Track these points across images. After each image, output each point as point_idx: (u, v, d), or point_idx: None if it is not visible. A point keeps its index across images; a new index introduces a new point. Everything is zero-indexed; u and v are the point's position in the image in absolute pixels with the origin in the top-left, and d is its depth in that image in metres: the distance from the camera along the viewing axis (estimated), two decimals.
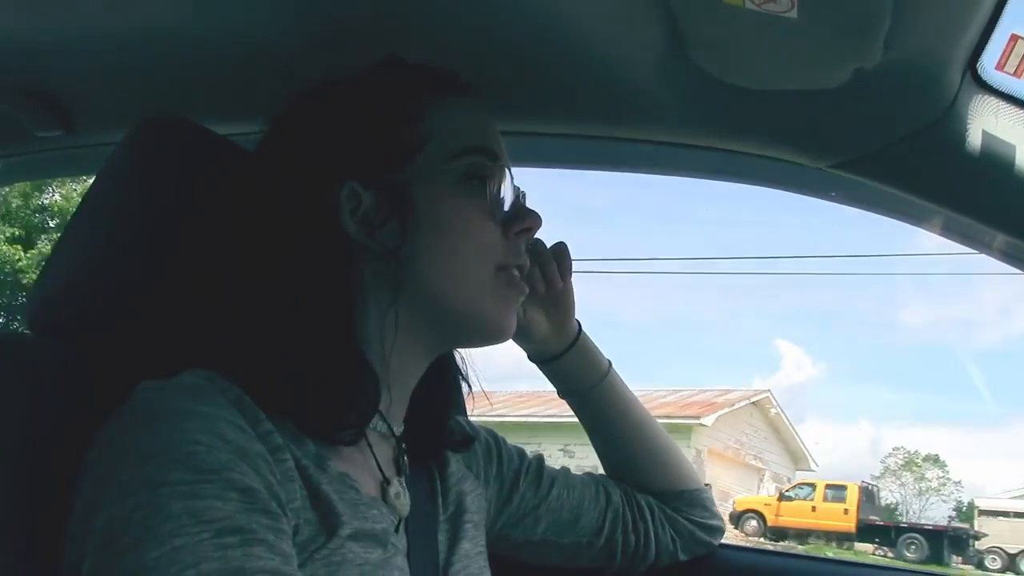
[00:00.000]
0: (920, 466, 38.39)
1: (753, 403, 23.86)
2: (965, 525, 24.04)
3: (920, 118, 1.04)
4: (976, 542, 21.28)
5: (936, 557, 20.19)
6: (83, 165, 1.50)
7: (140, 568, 0.67)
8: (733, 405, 22.01)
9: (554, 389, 1.27)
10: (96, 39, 1.13)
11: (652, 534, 1.21)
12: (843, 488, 22.21)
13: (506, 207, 0.95)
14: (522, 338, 1.19)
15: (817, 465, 27.79)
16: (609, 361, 1.24)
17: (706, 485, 1.28)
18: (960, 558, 20.60)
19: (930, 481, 37.50)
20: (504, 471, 1.16)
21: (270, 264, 0.88)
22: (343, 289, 0.89)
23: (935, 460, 38.56)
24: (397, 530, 0.92)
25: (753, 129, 1.17)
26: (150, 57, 1.15)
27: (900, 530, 21.82)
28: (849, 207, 1.26)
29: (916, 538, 21.00)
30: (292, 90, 0.97)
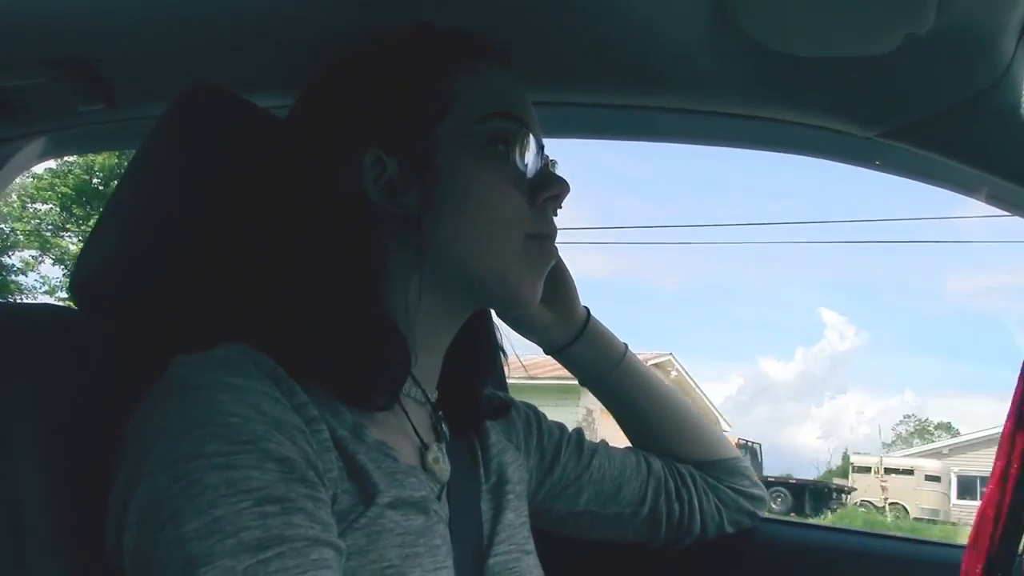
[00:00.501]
0: (932, 433, 38.26)
1: (654, 365, 23.86)
2: (833, 481, 27.35)
3: (972, 85, 1.02)
4: (846, 496, 24.07)
5: (799, 508, 22.34)
6: (126, 139, 1.51)
7: (180, 539, 0.67)
8: None
9: None
10: (137, 12, 1.13)
11: (696, 503, 1.20)
12: None
13: (532, 174, 0.94)
14: (527, 331, 1.18)
15: (730, 426, 29.31)
16: (625, 344, 1.23)
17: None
18: (828, 510, 22.62)
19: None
20: (545, 443, 1.16)
21: (295, 232, 0.88)
22: (367, 254, 0.89)
23: (947, 427, 38.39)
24: (440, 498, 0.92)
25: (799, 98, 1.15)
26: (190, 30, 1.15)
27: (768, 483, 23.24)
28: (896, 176, 1.24)
29: (781, 491, 22.91)
30: (330, 59, 0.97)
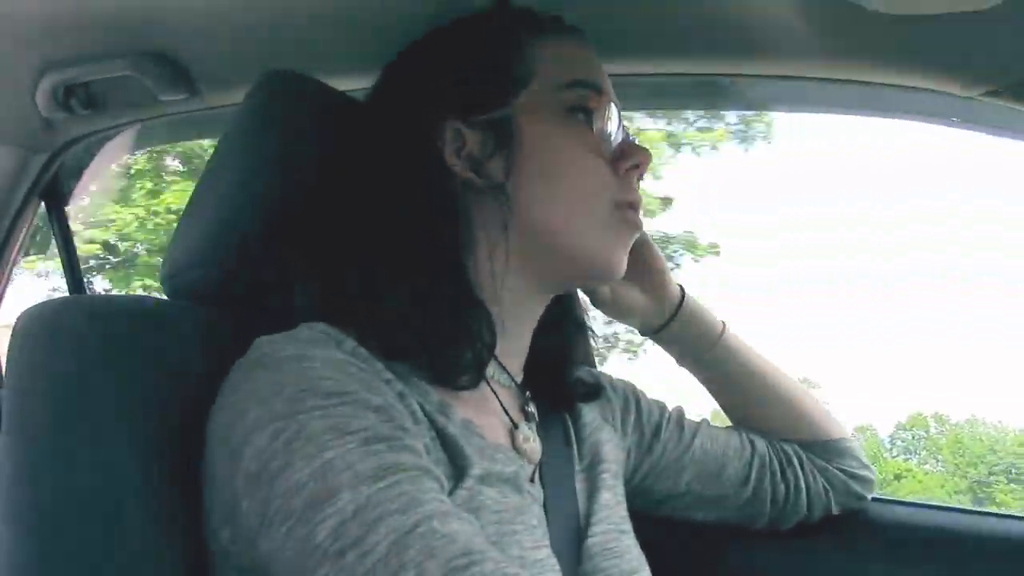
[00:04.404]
0: None
1: None
2: None
3: None
4: None
5: None
6: (210, 127, 1.52)
7: (295, 486, 0.68)
8: None
9: None
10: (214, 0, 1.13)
11: (803, 483, 1.17)
12: None
13: (613, 142, 0.93)
14: (621, 315, 1.17)
15: None
16: (723, 322, 1.20)
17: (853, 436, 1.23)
18: None
19: None
20: (644, 421, 1.13)
21: (379, 210, 0.88)
22: (452, 227, 0.88)
23: None
24: (533, 480, 0.91)
25: (896, 59, 1.09)
26: (268, 15, 1.15)
27: None
28: (1001, 137, 1.17)
29: None
30: (408, 41, 0.97)
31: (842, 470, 1.19)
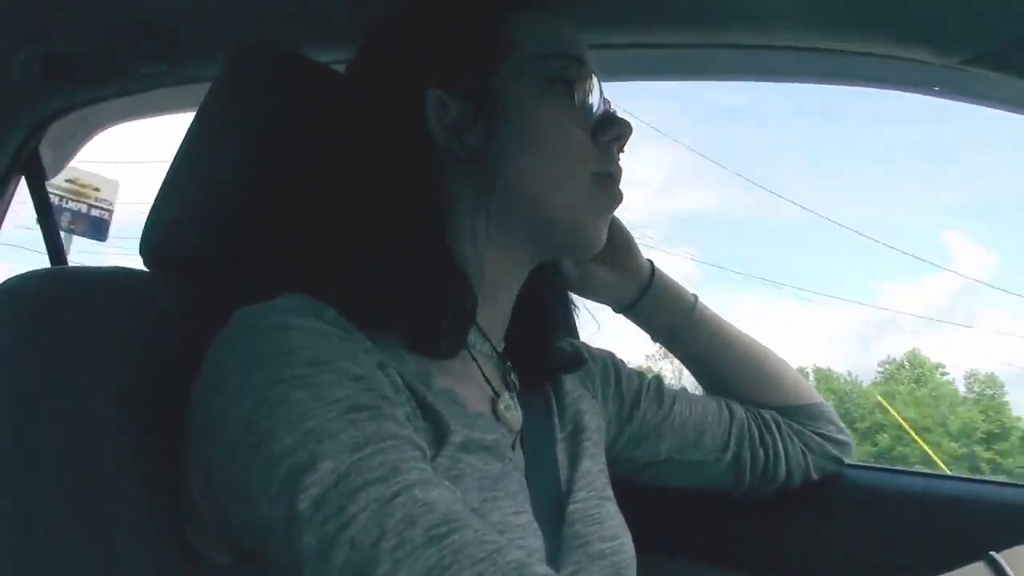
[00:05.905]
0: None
1: None
2: None
3: None
4: None
5: None
6: (189, 100, 1.51)
7: (276, 456, 0.68)
8: None
9: None
10: None
11: (781, 448, 1.18)
12: None
13: (594, 114, 0.94)
14: (591, 291, 1.17)
15: None
16: (694, 295, 1.21)
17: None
18: None
19: None
20: (624, 390, 1.14)
21: (359, 177, 0.89)
22: (433, 195, 0.89)
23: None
24: (514, 447, 0.92)
25: (873, 26, 1.08)
26: None
27: None
28: (980, 105, 1.17)
29: None
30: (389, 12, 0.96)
31: (818, 433, 1.21)
